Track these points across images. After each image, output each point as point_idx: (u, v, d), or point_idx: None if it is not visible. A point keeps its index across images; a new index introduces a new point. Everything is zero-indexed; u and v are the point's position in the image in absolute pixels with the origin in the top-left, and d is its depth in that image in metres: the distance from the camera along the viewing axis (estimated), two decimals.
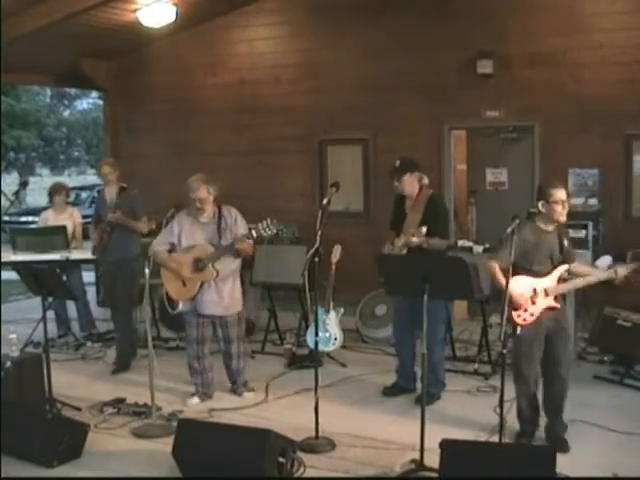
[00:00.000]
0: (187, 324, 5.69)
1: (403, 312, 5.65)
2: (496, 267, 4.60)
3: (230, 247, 5.41)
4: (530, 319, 4.59)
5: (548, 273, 4.63)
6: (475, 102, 8.00)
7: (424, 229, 5.25)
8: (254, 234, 5.35)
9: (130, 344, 6.69)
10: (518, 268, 4.56)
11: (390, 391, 5.82)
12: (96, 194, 6.72)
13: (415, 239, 5.26)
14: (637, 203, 7.52)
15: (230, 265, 5.54)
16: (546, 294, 4.61)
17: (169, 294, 5.66)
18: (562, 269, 4.67)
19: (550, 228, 4.64)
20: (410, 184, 5.57)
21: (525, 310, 4.57)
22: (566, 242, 4.72)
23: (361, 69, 8.55)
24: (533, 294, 4.58)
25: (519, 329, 4.55)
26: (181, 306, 5.60)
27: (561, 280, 4.67)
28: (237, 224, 5.54)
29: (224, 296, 5.55)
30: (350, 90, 8.60)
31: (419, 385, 5.53)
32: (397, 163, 5.58)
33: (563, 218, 4.61)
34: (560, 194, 4.55)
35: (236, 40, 9.26)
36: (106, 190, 6.68)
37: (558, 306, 4.65)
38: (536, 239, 4.61)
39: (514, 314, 4.55)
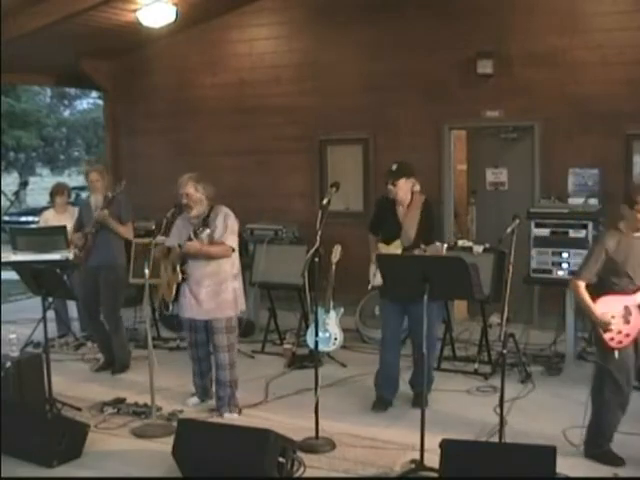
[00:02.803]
0: (183, 326, 5.68)
1: (394, 316, 5.56)
2: (581, 287, 4.40)
3: (181, 250, 5.27)
4: (627, 340, 4.37)
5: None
6: (475, 102, 7.99)
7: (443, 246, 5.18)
8: (198, 236, 5.14)
9: (123, 346, 6.64)
10: (604, 283, 4.38)
11: (381, 406, 5.57)
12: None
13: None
14: None
15: (203, 268, 5.33)
16: None
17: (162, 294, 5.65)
18: None
19: (637, 234, 4.42)
20: (404, 189, 5.47)
21: (619, 332, 4.34)
22: None
23: (361, 69, 8.54)
24: (625, 312, 4.34)
25: (617, 353, 4.35)
26: (170, 307, 5.58)
27: None
28: (216, 224, 5.32)
29: (202, 299, 5.34)
30: (350, 90, 8.59)
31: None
32: (394, 166, 5.48)
33: None
34: None
35: (236, 40, 9.25)
36: (92, 198, 6.54)
37: None
38: (625, 247, 4.39)
39: (606, 337, 4.34)
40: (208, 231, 5.16)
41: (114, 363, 6.59)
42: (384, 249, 5.52)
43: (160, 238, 5.60)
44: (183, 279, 5.36)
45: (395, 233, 5.49)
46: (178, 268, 5.34)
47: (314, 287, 5.31)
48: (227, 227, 5.34)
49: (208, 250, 5.28)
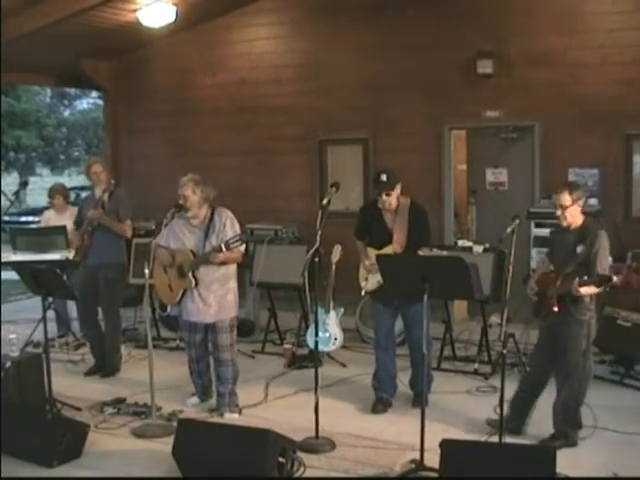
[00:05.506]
0: (181, 327, 5.68)
1: (386, 317, 5.54)
2: None
3: (204, 258, 5.26)
4: None
5: None
6: (475, 102, 7.99)
7: None
8: (230, 244, 5.13)
9: (116, 348, 6.58)
10: None
11: (381, 408, 5.54)
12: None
13: None
14: (637, 203, 7.52)
15: (213, 273, 5.33)
16: None
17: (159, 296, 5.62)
18: None
19: None
20: (396, 197, 5.39)
21: None
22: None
23: (361, 69, 8.54)
24: None
25: None
26: (169, 309, 5.57)
27: None
28: (225, 229, 5.32)
29: (210, 303, 5.35)
30: (350, 90, 8.60)
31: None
32: (383, 177, 5.29)
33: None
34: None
35: (236, 40, 9.26)
36: (96, 190, 6.46)
37: None
38: None
39: None
40: (238, 243, 5.15)
41: (104, 367, 6.51)
42: (374, 254, 5.35)
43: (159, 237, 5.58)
44: (195, 285, 5.34)
45: (385, 239, 5.41)
46: (191, 274, 5.31)
47: (314, 287, 5.30)
48: (236, 232, 5.36)
49: (229, 258, 5.29)
